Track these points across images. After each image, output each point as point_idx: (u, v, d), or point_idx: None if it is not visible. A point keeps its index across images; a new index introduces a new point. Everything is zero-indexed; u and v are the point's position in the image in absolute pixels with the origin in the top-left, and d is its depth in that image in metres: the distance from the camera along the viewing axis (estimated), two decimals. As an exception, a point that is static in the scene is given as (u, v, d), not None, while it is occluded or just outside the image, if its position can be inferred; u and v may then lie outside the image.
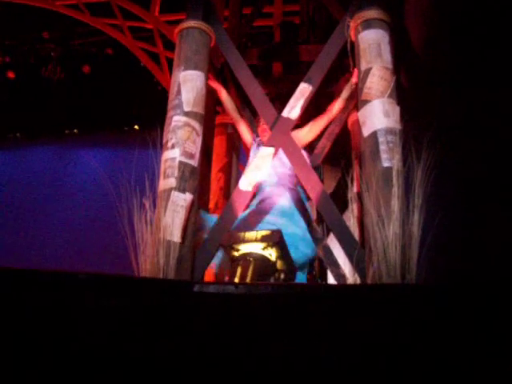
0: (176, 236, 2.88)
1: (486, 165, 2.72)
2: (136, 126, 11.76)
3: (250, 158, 4.00)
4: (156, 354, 1.99)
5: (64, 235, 10.10)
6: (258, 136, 4.16)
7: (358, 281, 2.88)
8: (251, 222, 3.61)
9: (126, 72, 10.85)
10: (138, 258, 2.79)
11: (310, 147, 4.20)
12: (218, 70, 4.46)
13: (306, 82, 3.48)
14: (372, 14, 3.31)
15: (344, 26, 3.49)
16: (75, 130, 12.32)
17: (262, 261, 3.01)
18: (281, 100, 3.76)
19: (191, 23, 3.51)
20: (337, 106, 3.77)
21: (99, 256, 8.84)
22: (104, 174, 3.05)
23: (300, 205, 3.83)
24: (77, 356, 1.97)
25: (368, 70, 3.16)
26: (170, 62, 4.82)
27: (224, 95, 4.03)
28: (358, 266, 2.88)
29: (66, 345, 2.00)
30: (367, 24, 3.31)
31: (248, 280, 2.90)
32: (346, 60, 3.51)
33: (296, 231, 3.55)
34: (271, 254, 3.04)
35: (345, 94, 3.70)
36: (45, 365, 1.96)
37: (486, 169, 2.72)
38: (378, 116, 3.03)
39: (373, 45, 3.23)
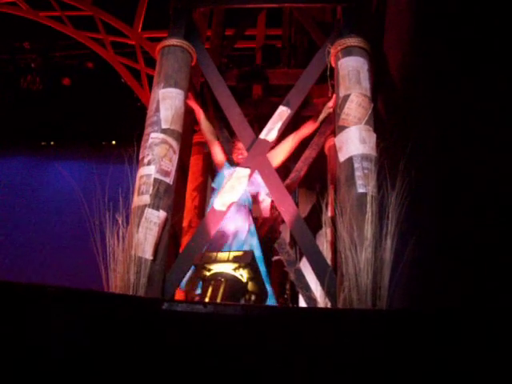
0: (148, 253, 2.86)
1: (460, 191, 2.75)
2: (113, 141, 11.68)
3: (221, 180, 3.96)
4: (122, 369, 1.96)
5: (35, 247, 9.94)
6: (231, 156, 4.16)
7: (329, 305, 2.88)
8: (223, 242, 3.61)
9: (106, 87, 10.80)
10: (109, 274, 2.76)
11: (286, 170, 4.22)
12: (197, 89, 4.47)
13: (284, 105, 3.51)
14: (352, 41, 3.37)
15: (324, 51, 3.54)
16: (52, 142, 12.20)
17: (233, 281, 2.99)
18: (259, 122, 3.78)
19: (173, 41, 3.53)
20: (310, 127, 3.79)
21: (69, 270, 8.71)
22: (78, 187, 3.01)
23: None
24: (45, 369, 1.94)
25: (346, 97, 3.20)
26: (151, 79, 4.82)
27: (201, 115, 4.03)
28: (330, 290, 2.88)
29: (32, 358, 1.96)
30: (347, 51, 3.36)
31: (218, 300, 2.88)
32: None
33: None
34: (242, 274, 3.02)
35: (320, 116, 3.72)
36: (7, 378, 1.92)
37: (460, 195, 2.75)
38: (355, 142, 3.06)
39: (352, 72, 3.28)
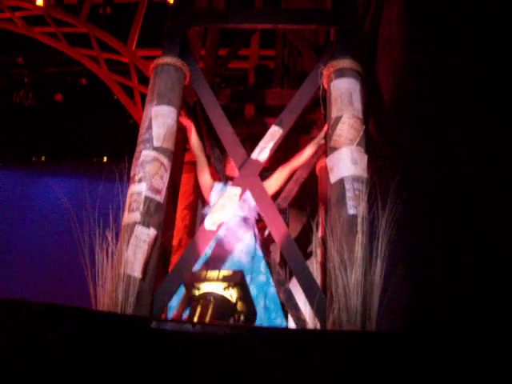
0: (137, 271, 2.84)
1: (451, 215, 2.76)
2: (105, 158, 11.69)
3: (212, 198, 3.94)
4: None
5: (23, 263, 9.88)
6: (224, 175, 4.16)
7: (318, 326, 2.87)
8: (213, 261, 3.60)
9: (99, 103, 10.84)
10: (97, 291, 2.74)
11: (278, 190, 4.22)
12: (190, 107, 4.48)
13: (276, 125, 3.52)
14: (345, 63, 3.39)
15: (317, 73, 3.56)
16: (43, 158, 12.18)
17: (222, 301, 2.97)
18: (251, 141, 3.78)
19: (167, 59, 3.54)
20: (306, 154, 3.78)
21: (57, 286, 8.66)
22: (69, 203, 3.00)
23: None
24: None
25: (338, 118, 3.21)
26: (144, 97, 4.83)
27: (193, 134, 4.03)
28: (319, 311, 2.87)
29: (16, 377, 1.94)
30: (340, 73, 3.38)
31: (207, 320, 2.86)
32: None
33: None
34: (232, 294, 3.01)
35: (317, 141, 3.72)
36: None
37: (451, 219, 2.76)
38: (346, 163, 3.07)
39: (344, 93, 3.30)
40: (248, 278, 3.47)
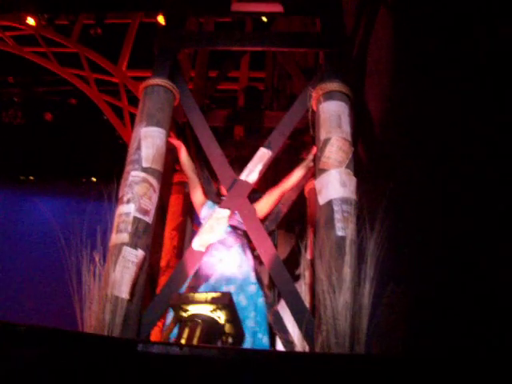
0: (124, 292, 2.82)
1: (439, 237, 2.77)
2: (93, 178, 11.66)
3: (203, 215, 3.93)
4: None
5: (10, 283, 9.80)
6: (218, 195, 4.14)
7: (307, 348, 2.86)
8: (202, 272, 3.57)
9: (88, 123, 10.84)
10: (84, 313, 2.71)
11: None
12: (179, 128, 4.49)
13: (265, 147, 3.53)
14: (334, 86, 3.42)
15: (306, 95, 3.59)
16: (31, 177, 12.13)
17: (210, 323, 2.95)
18: (240, 163, 3.79)
19: (157, 80, 3.56)
20: (295, 177, 3.76)
21: (44, 307, 8.59)
22: (56, 223, 2.99)
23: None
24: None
25: (327, 140, 3.23)
26: (133, 117, 4.84)
27: (183, 154, 4.02)
28: (308, 333, 2.86)
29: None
30: (329, 95, 3.41)
31: (195, 342, 2.84)
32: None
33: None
34: (220, 316, 2.99)
35: (306, 164, 3.71)
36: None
37: (440, 241, 2.77)
38: (335, 185, 3.07)
39: (333, 116, 3.32)
40: (238, 288, 3.45)
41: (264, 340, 3.45)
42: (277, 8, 4.16)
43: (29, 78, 10.58)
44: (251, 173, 3.45)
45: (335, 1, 4.03)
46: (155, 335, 3.61)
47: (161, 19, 8.44)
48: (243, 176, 3.44)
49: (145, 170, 3.20)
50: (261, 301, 3.57)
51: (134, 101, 8.34)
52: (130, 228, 3.00)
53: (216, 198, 4.10)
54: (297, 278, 3.75)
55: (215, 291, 3.18)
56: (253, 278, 3.64)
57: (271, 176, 4.71)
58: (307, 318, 2.89)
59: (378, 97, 3.99)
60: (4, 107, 10.97)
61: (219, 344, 3.01)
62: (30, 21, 8.64)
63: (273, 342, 3.95)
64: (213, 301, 2.94)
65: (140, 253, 2.98)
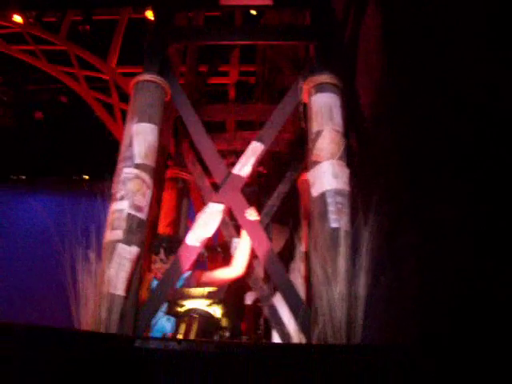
0: (120, 289, 2.82)
1: (433, 228, 2.78)
2: (85, 176, 11.62)
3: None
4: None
5: (5, 281, 9.77)
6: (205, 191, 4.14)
7: (303, 340, 2.86)
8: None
9: (79, 121, 10.78)
10: (80, 311, 2.71)
11: (260, 206, 4.22)
12: (171, 123, 4.48)
13: (257, 140, 3.53)
14: (324, 78, 3.42)
15: (297, 88, 3.58)
16: (23, 176, 12.08)
17: (207, 317, 2.96)
18: (233, 157, 3.79)
19: (147, 76, 3.54)
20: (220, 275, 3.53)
21: (39, 306, 8.56)
22: (50, 222, 2.98)
23: None
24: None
25: (319, 132, 3.23)
26: (124, 114, 4.82)
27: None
28: (304, 325, 2.87)
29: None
30: (320, 87, 3.41)
31: (192, 337, 2.85)
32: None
33: None
34: (216, 310, 3.00)
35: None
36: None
37: (434, 233, 2.78)
38: (328, 177, 3.08)
39: (324, 108, 3.32)
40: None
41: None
42: (266, 1, 4.15)
43: (17, 76, 10.50)
44: (244, 166, 3.45)
45: (324, -7, 4.03)
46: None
47: (149, 14, 8.39)
48: (236, 170, 3.44)
49: (137, 166, 3.19)
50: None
51: (124, 97, 8.31)
52: (124, 225, 3.00)
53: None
54: (292, 270, 3.75)
55: None
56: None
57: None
58: (303, 311, 2.90)
59: (368, 87, 3.99)
60: (-7, 107, 10.91)
61: (216, 338, 3.02)
62: (17, 18, 8.55)
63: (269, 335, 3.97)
64: (209, 295, 2.95)
65: (134, 249, 2.97)
